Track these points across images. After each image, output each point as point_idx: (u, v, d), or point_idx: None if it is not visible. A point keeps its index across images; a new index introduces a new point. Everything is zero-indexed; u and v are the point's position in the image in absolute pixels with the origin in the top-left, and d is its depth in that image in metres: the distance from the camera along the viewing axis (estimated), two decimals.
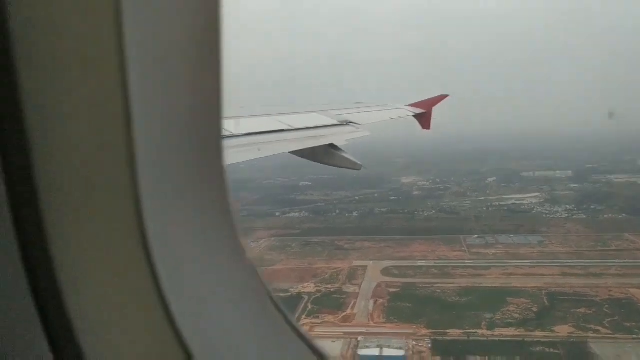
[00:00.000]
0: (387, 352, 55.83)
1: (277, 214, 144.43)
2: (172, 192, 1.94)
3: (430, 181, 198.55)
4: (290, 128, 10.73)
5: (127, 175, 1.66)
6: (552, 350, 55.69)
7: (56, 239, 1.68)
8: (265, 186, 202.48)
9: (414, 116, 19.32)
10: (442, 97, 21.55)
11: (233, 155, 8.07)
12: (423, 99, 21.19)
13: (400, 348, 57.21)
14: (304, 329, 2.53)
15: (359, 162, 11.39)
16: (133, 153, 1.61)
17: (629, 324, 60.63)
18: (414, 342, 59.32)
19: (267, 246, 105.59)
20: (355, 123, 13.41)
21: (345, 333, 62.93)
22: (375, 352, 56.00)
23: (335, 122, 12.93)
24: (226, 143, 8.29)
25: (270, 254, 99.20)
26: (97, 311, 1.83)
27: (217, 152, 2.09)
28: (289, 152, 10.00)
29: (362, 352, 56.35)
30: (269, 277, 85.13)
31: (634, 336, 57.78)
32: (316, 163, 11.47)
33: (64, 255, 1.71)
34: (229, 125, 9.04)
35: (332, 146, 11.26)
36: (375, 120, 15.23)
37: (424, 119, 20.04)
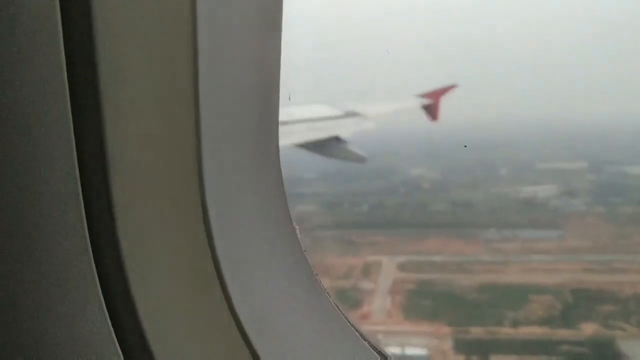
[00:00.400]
0: (409, 350, 53.94)
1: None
2: (236, 190, 2.04)
3: (440, 172, 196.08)
4: (293, 120, 10.44)
5: (194, 172, 1.70)
6: (579, 349, 53.59)
7: (126, 238, 1.72)
8: None
9: (421, 107, 17.77)
10: (449, 88, 20.75)
11: None
12: (430, 90, 19.51)
13: (423, 347, 55.32)
14: (364, 330, 2.57)
15: (364, 155, 10.95)
16: (200, 150, 1.65)
17: None
18: (436, 341, 57.39)
19: None
20: (361, 114, 12.82)
21: (365, 331, 61.09)
22: (397, 350, 54.08)
23: (340, 113, 12.53)
24: None
25: None
26: (165, 313, 1.87)
27: (274, 150, 2.24)
28: (293, 145, 9.42)
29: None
30: None
31: None
32: (321, 155, 10.89)
33: (134, 255, 1.75)
34: None
35: (337, 138, 10.81)
36: (382, 112, 13.85)
37: (431, 110, 19.56)
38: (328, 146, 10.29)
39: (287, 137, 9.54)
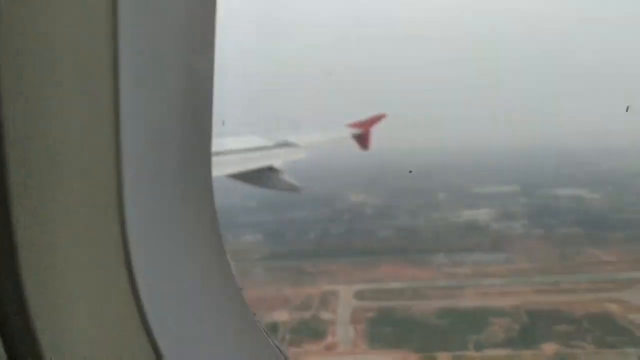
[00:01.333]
0: None
1: (229, 237, 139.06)
2: (154, 193, 2.06)
3: (381, 199, 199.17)
4: (224, 150, 10.44)
5: (112, 178, 1.71)
6: None
7: (26, 237, 1.68)
8: None
9: (352, 136, 18.26)
10: (380, 116, 21.13)
11: None
12: (361, 120, 20.77)
13: None
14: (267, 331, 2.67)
15: (297, 185, 11.16)
16: (119, 156, 1.65)
17: (611, 339, 60.86)
18: None
19: None
20: (294, 144, 12.69)
21: None
22: None
23: (272, 143, 12.81)
24: None
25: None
26: (63, 310, 1.84)
27: (204, 158, 2.26)
28: (225, 176, 9.30)
29: None
30: None
31: (619, 350, 57.97)
32: (255, 186, 10.86)
33: (32, 251, 1.70)
34: None
35: (270, 168, 10.96)
36: (313, 141, 15.24)
37: (362, 139, 19.84)
38: (261, 176, 10.77)
39: (220, 168, 9.39)
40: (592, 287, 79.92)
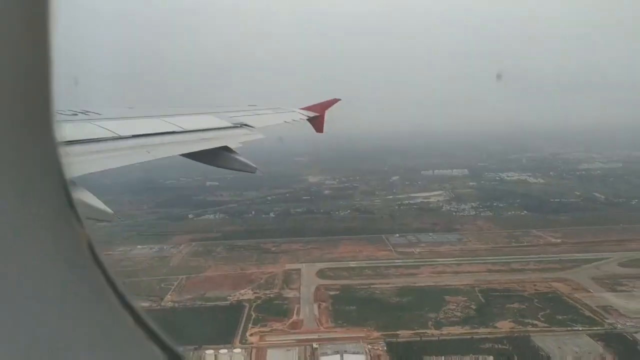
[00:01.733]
0: (347, 358, 55.60)
1: (190, 216, 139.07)
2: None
3: (337, 180, 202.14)
4: (181, 130, 10.51)
5: None
6: (499, 346, 58.55)
7: None
8: (168, 187, 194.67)
9: (307, 119, 20.09)
10: (334, 101, 22.05)
11: (120, 158, 7.95)
12: (315, 103, 21.54)
13: (359, 353, 57.28)
14: (158, 330, 2.60)
15: (253, 165, 11.44)
16: None
17: (561, 317, 65.42)
18: (369, 346, 59.65)
19: (190, 252, 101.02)
20: (249, 125, 13.43)
21: (298, 340, 61.87)
22: (335, 359, 55.58)
23: (228, 124, 12.94)
24: (112, 145, 7.94)
25: (196, 260, 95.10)
26: None
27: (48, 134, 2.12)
28: (181, 155, 9.70)
29: (323, 359, 55.67)
30: (201, 285, 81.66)
31: (569, 328, 62.37)
32: (210, 165, 11.28)
33: None
34: (115, 127, 8.86)
35: (225, 149, 11.20)
36: (269, 123, 15.41)
37: (317, 122, 20.48)
38: (217, 156, 10.73)
39: (174, 148, 9.59)
40: (539, 267, 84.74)
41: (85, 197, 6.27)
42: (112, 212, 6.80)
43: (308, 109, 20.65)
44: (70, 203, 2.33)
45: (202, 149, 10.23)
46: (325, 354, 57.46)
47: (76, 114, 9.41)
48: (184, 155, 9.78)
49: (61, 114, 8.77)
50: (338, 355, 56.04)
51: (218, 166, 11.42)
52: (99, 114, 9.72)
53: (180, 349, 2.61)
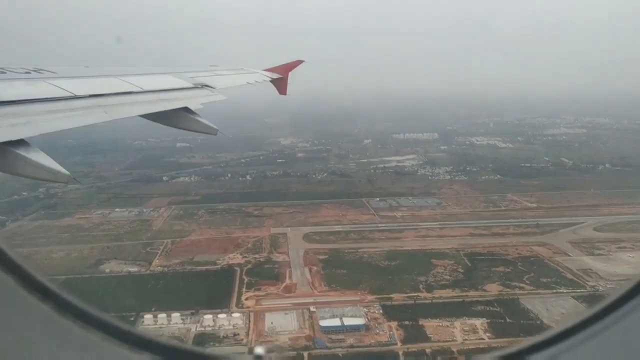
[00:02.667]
0: (346, 321, 56.59)
1: (164, 178, 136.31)
2: None
3: (309, 143, 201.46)
4: (140, 90, 10.40)
5: None
6: (491, 308, 60.62)
7: None
8: (137, 147, 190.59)
9: (270, 81, 20.37)
10: (297, 62, 22.02)
11: (76, 118, 7.78)
12: (278, 65, 21.50)
13: (356, 316, 58.36)
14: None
15: (214, 127, 11.23)
16: None
17: (545, 280, 68.00)
18: (364, 309, 60.84)
19: (171, 215, 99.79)
20: (210, 86, 13.30)
21: (294, 304, 62.50)
22: (335, 322, 56.48)
23: (189, 85, 12.73)
24: (68, 105, 7.72)
25: (179, 224, 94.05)
26: None
27: None
28: (139, 116, 9.57)
29: (323, 322, 56.47)
30: (188, 249, 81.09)
31: (554, 291, 64.97)
32: (169, 127, 11.07)
33: None
34: (71, 86, 8.66)
35: (186, 109, 10.92)
36: (231, 84, 15.21)
37: (280, 84, 20.50)
38: (177, 117, 10.47)
39: (132, 108, 9.37)
40: (518, 231, 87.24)
41: (39, 158, 6.24)
42: (68, 173, 6.48)
43: (271, 70, 20.42)
44: None
45: (161, 109, 10.04)
46: (323, 317, 58.41)
47: (29, 72, 9.15)
48: (142, 116, 9.58)
49: (13, 71, 8.76)
50: (337, 319, 57.06)
51: (178, 127, 11.06)
52: (54, 73, 9.48)
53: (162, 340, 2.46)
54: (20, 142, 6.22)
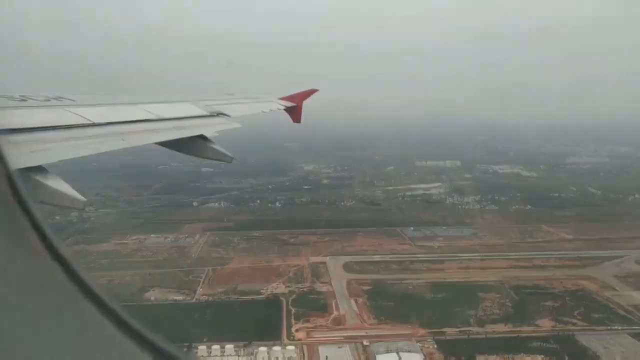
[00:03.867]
0: (403, 356, 55.94)
1: (194, 203, 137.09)
2: None
3: (333, 169, 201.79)
4: (157, 118, 10.38)
5: None
6: (547, 345, 59.75)
7: None
8: (162, 172, 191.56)
9: (285, 109, 20.41)
10: (312, 91, 21.73)
11: (94, 145, 7.73)
12: (292, 93, 21.20)
13: (413, 351, 57.67)
14: (148, 332, 2.48)
15: (229, 154, 11.03)
16: None
17: (597, 315, 67.09)
18: (418, 343, 60.19)
19: (208, 242, 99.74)
20: (226, 114, 13.31)
21: (345, 337, 62.03)
22: (392, 357, 55.82)
23: (205, 112, 12.74)
24: (86, 132, 7.83)
25: (216, 251, 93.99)
26: None
27: None
28: (156, 143, 9.53)
29: (380, 358, 55.84)
30: (230, 277, 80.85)
31: (608, 327, 64.00)
32: (186, 154, 10.98)
33: None
34: (89, 114, 8.68)
35: (202, 137, 10.86)
36: (246, 113, 15.19)
37: (294, 112, 20.20)
38: (193, 145, 10.40)
39: (149, 136, 9.41)
40: (561, 264, 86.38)
41: (56, 184, 6.20)
42: (85, 199, 6.40)
43: (286, 98, 20.31)
44: (17, 195, 2.23)
45: (177, 137, 10.05)
46: (379, 352, 57.79)
47: (49, 100, 9.21)
48: (159, 143, 9.57)
49: (34, 99, 8.79)
50: (394, 354, 56.41)
51: (194, 155, 11.00)
52: (73, 101, 9.53)
53: (175, 350, 2.46)
54: (39, 169, 6.25)
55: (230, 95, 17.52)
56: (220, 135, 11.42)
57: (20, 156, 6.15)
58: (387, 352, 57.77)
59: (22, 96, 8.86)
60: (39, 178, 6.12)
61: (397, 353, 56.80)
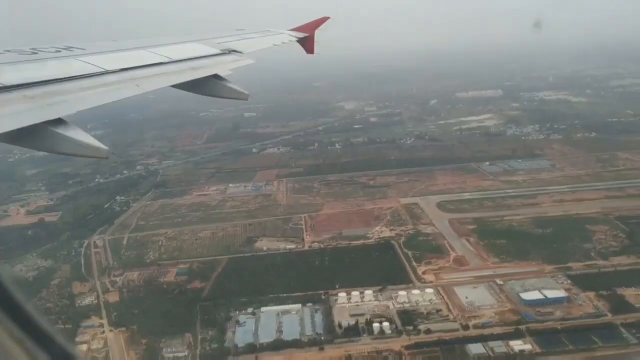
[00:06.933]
0: (548, 293, 56.45)
1: (254, 150, 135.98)
2: None
3: (375, 106, 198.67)
4: (169, 60, 10.47)
5: None
6: None
7: None
8: (205, 119, 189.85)
9: (297, 41, 19.56)
10: (323, 20, 21.05)
11: (109, 93, 7.87)
12: (303, 24, 20.69)
13: (554, 288, 58.07)
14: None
15: (245, 92, 11.05)
16: None
17: None
18: (551, 279, 60.59)
19: (289, 189, 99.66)
20: (238, 51, 13.14)
21: (475, 277, 62.45)
22: (536, 295, 56.31)
23: (217, 51, 12.66)
24: (100, 80, 7.96)
25: (303, 197, 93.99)
26: None
27: None
28: (171, 86, 9.55)
29: (525, 296, 56.35)
30: (329, 223, 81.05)
31: None
32: (201, 94, 11.02)
33: None
34: (101, 62, 8.86)
35: (216, 76, 10.90)
36: (258, 47, 14.91)
37: (307, 43, 19.74)
38: (207, 85, 10.55)
39: (163, 79, 9.50)
40: None
41: (78, 135, 6.37)
42: (107, 148, 6.60)
43: (297, 29, 19.86)
44: None
45: (191, 78, 10.03)
46: (515, 289, 58.38)
47: (60, 51, 9.23)
48: (174, 86, 9.58)
49: (44, 51, 8.89)
50: (537, 292, 56.92)
51: (209, 95, 10.98)
52: (84, 49, 9.60)
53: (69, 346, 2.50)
54: (59, 121, 6.37)
55: (241, 31, 17.15)
56: (235, 73, 11.38)
57: (38, 110, 6.29)
58: (525, 290, 58.48)
59: (33, 49, 8.88)
60: (60, 130, 6.29)
61: (540, 291, 57.42)
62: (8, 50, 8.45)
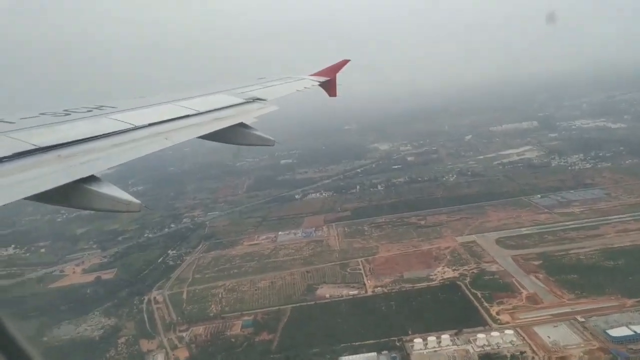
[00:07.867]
0: (637, 329, 53.89)
1: (296, 196, 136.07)
2: None
3: (410, 146, 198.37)
4: (195, 112, 10.71)
5: None
6: None
7: None
8: (243, 169, 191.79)
9: (319, 85, 18.52)
10: (343, 62, 20.98)
11: (139, 148, 7.90)
12: (324, 68, 20.56)
13: (639, 323, 55.49)
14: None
15: (271, 138, 11.20)
16: None
17: None
18: (636, 314, 57.93)
19: (340, 233, 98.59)
20: (261, 99, 13.32)
21: (553, 315, 60.08)
22: (625, 331, 53.83)
23: (241, 100, 12.90)
24: (130, 136, 8.16)
25: (356, 242, 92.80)
26: None
27: None
28: (198, 137, 9.59)
29: (613, 332, 53.86)
30: (388, 267, 79.57)
31: None
32: (229, 144, 11.11)
33: None
34: (130, 118, 9.06)
35: (241, 125, 11.10)
36: (281, 94, 15.03)
37: (329, 87, 19.69)
38: (234, 134, 10.55)
39: (191, 131, 9.42)
40: None
41: (111, 190, 6.43)
42: (139, 202, 6.54)
43: (317, 74, 19.95)
44: None
45: (218, 128, 10.19)
46: (599, 326, 55.87)
47: (91, 110, 9.52)
48: (203, 137, 9.68)
49: (76, 112, 9.15)
50: (625, 327, 54.39)
51: (236, 143, 11.15)
52: (114, 107, 9.88)
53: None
54: (92, 178, 6.49)
55: (262, 79, 17.39)
56: (260, 121, 11.60)
57: (72, 168, 6.44)
58: (611, 326, 55.90)
59: (66, 110, 9.25)
60: (94, 187, 6.42)
61: (627, 326, 54.84)
62: (43, 113, 8.89)
